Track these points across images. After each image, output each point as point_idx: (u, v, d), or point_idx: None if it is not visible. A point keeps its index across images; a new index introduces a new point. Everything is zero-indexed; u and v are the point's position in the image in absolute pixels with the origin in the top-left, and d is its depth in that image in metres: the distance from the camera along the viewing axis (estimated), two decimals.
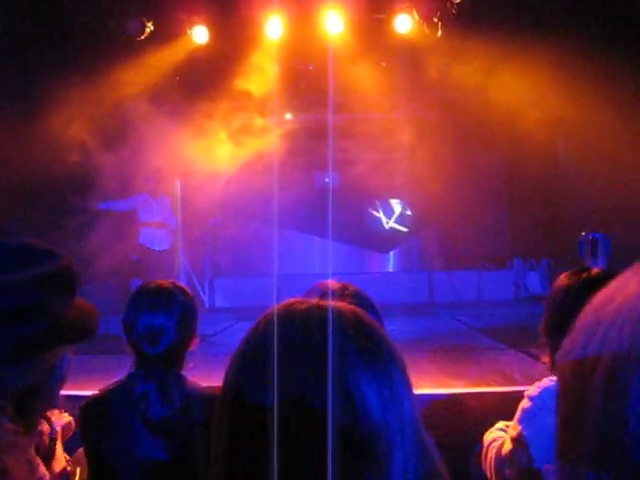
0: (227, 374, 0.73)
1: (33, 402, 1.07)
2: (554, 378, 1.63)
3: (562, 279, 1.77)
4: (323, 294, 1.71)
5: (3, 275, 0.99)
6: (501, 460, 1.68)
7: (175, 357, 1.92)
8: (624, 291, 0.51)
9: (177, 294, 1.95)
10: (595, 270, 1.72)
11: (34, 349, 1.03)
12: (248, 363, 0.71)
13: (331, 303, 0.73)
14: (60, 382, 1.14)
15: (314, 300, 0.75)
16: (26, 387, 1.04)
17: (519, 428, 1.61)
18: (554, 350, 1.69)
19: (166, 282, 2.00)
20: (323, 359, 0.65)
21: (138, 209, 7.50)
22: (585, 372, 0.49)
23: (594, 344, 0.50)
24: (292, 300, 0.76)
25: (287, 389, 0.64)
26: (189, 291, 2.04)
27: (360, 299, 1.68)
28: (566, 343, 0.54)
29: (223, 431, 0.70)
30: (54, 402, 1.17)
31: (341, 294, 1.68)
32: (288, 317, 0.72)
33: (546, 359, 1.75)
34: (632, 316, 0.48)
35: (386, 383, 0.66)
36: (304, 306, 0.73)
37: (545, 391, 1.59)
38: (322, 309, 0.71)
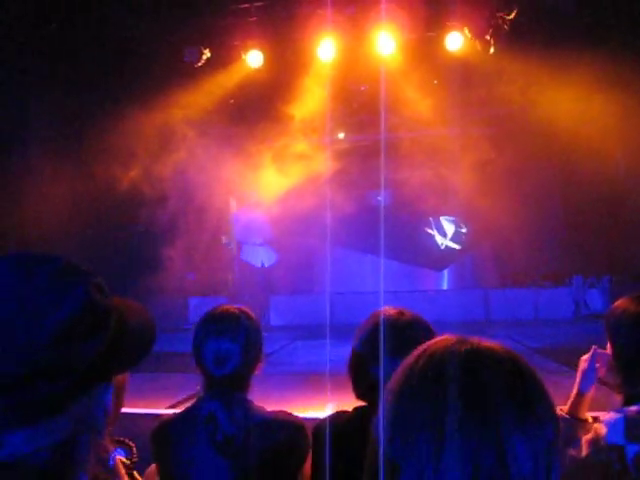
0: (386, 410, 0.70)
1: (68, 461, 0.89)
2: (624, 410, 1.61)
3: (622, 306, 1.73)
4: (377, 322, 1.75)
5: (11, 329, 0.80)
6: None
7: (240, 380, 1.98)
8: None
9: (242, 319, 2.01)
10: None
11: (55, 407, 0.86)
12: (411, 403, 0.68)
13: (488, 345, 0.72)
14: (104, 419, 0.96)
15: (474, 339, 0.74)
16: (54, 445, 0.86)
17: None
18: (629, 383, 1.66)
19: (232, 307, 2.07)
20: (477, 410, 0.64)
21: (239, 226, 7.68)
22: None
23: None
24: (449, 338, 0.76)
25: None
26: (254, 315, 2.10)
27: (418, 324, 1.71)
28: None
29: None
30: (101, 443, 0.96)
31: (397, 320, 1.70)
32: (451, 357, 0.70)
33: (618, 392, 1.71)
34: None
35: (539, 441, 0.65)
36: (465, 347, 0.71)
37: (612, 427, 1.57)
38: (480, 352, 0.70)
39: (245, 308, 2.11)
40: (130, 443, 1.79)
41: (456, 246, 9.37)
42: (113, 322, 0.90)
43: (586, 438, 1.65)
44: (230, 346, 1.96)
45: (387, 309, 1.73)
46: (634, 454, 1.50)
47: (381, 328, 1.68)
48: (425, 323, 1.71)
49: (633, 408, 1.61)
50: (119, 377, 1.12)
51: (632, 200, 8.03)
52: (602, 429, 1.60)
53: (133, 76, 7.03)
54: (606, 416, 1.63)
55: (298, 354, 6.31)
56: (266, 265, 7.53)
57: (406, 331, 1.63)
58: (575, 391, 1.84)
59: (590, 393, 1.83)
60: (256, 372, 2.06)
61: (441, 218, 9.53)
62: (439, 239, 9.43)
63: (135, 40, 6.77)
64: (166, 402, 3.71)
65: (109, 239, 7.57)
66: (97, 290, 0.88)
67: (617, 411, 1.62)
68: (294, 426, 1.96)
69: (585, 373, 1.83)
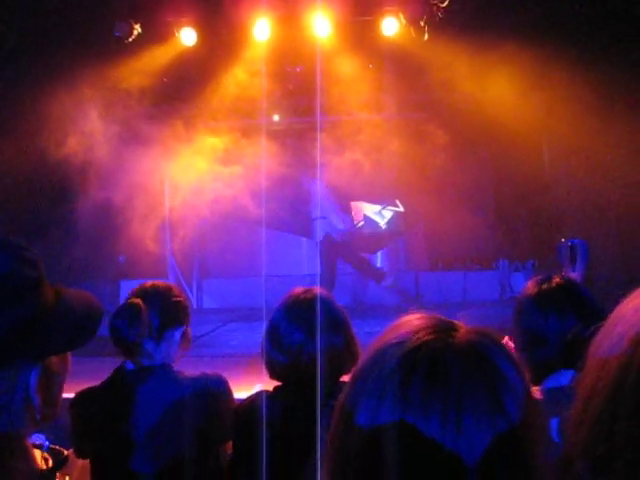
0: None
1: None
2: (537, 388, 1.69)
3: (525, 289, 1.82)
4: (284, 303, 1.78)
5: None
6: None
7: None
8: (627, 307, 0.61)
9: (151, 296, 1.97)
10: (556, 279, 1.78)
11: None
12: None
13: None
14: (23, 402, 0.90)
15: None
16: None
17: None
18: (531, 366, 1.74)
19: (146, 284, 2.01)
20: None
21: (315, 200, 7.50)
22: (596, 369, 0.58)
23: (604, 348, 0.59)
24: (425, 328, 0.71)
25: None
26: (167, 288, 2.03)
27: (322, 301, 1.75)
28: (593, 342, 0.63)
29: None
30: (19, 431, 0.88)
31: (300, 297, 1.77)
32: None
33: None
34: (629, 334, 0.57)
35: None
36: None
37: None
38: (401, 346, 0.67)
39: (161, 283, 2.04)
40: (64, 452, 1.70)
41: (388, 228, 9.49)
42: (44, 299, 0.88)
43: None
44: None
45: (297, 288, 1.79)
46: (556, 426, 1.57)
47: (317, 307, 1.71)
48: (328, 302, 1.77)
49: (545, 386, 1.69)
50: (55, 365, 1.05)
51: (555, 190, 8.38)
52: None
53: (60, 49, 6.75)
54: None
55: (231, 336, 6.28)
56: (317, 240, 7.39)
57: (307, 307, 1.71)
58: None
59: None
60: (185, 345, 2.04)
61: (376, 201, 9.64)
62: (372, 222, 9.54)
63: (62, 9, 6.48)
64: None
65: (36, 219, 7.27)
66: (26, 263, 0.87)
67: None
68: (212, 377, 1.93)
69: None
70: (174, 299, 2.00)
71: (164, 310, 1.95)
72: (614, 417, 0.54)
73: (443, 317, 0.75)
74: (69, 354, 1.07)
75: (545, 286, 1.76)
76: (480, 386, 0.61)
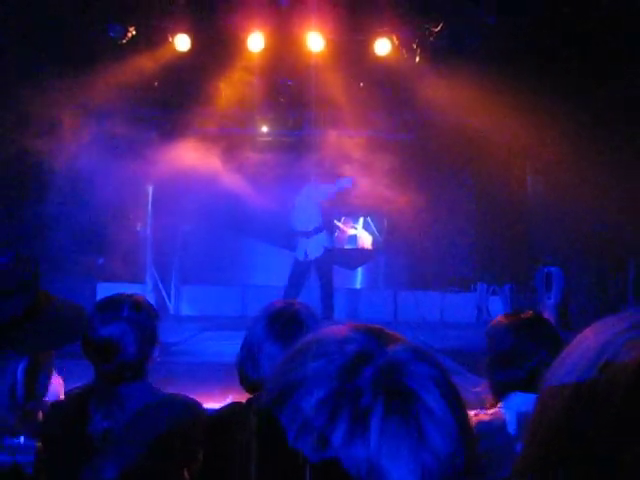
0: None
1: None
2: (489, 412, 1.75)
3: (497, 320, 1.95)
4: (268, 311, 1.78)
5: None
6: None
7: (129, 370, 1.88)
8: (582, 340, 0.62)
9: (126, 308, 1.82)
10: (528, 313, 1.91)
11: None
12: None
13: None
14: (7, 394, 0.93)
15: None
16: None
17: None
18: (494, 385, 1.83)
19: (122, 295, 1.88)
20: None
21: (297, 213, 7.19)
22: (552, 397, 0.59)
23: (557, 376, 0.60)
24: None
25: None
26: (143, 304, 1.95)
27: (303, 314, 1.76)
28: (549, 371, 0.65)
29: None
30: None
31: (284, 309, 1.76)
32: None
33: (488, 395, 1.88)
34: (579, 365, 0.58)
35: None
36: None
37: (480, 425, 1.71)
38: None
39: (137, 296, 1.98)
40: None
41: (369, 246, 9.57)
42: (35, 298, 0.96)
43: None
44: (113, 336, 1.81)
45: (277, 302, 1.79)
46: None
47: (301, 322, 1.72)
48: (309, 317, 1.76)
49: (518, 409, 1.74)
50: (42, 362, 1.07)
51: (535, 218, 8.49)
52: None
53: (55, 46, 6.74)
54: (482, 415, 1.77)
55: (207, 344, 6.25)
56: (311, 257, 7.00)
57: (286, 322, 1.71)
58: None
59: None
60: (150, 359, 1.98)
61: (359, 217, 9.70)
62: (353, 238, 9.58)
63: (58, 8, 6.47)
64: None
65: (14, 218, 7.20)
66: (24, 263, 0.94)
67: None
68: (188, 404, 1.88)
69: None
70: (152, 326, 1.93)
71: (143, 342, 1.88)
72: (559, 451, 0.55)
73: (375, 332, 0.64)
74: (53, 353, 1.13)
75: (515, 317, 1.87)
76: (401, 424, 0.55)
